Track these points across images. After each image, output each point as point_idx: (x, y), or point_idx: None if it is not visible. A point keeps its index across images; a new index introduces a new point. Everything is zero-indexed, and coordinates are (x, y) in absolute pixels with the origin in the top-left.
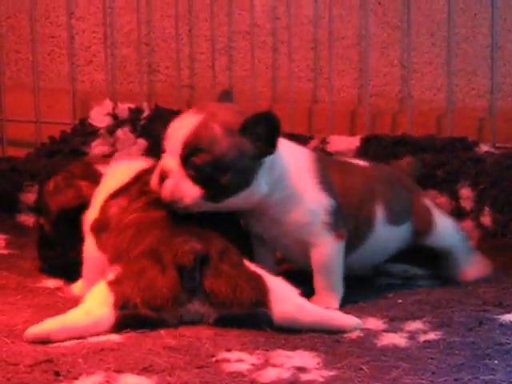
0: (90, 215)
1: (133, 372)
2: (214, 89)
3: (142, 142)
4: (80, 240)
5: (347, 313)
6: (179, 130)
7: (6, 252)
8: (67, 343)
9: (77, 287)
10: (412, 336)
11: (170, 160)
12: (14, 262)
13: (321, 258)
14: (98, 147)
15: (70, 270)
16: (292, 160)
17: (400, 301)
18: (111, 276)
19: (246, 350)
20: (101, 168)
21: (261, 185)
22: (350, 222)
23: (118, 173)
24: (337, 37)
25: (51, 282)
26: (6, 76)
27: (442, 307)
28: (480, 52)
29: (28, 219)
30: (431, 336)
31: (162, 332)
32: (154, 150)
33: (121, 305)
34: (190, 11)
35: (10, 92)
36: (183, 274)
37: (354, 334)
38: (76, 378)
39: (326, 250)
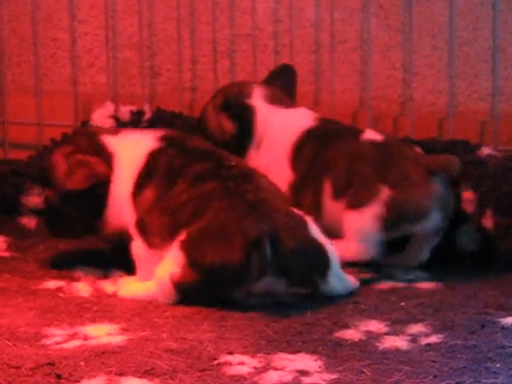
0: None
1: (134, 375)
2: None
3: None
4: (88, 213)
5: (349, 315)
6: None
7: (7, 254)
8: (69, 346)
9: (128, 285)
10: (414, 339)
11: None
12: (16, 264)
13: None
14: None
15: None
16: None
17: (402, 304)
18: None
19: (248, 353)
20: (106, 139)
21: None
22: None
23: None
24: (338, 40)
25: (53, 283)
26: (9, 79)
27: (444, 310)
28: (482, 55)
29: (29, 222)
30: (433, 339)
31: (164, 335)
32: None
33: (192, 263)
34: (191, 14)
35: (13, 95)
36: (253, 254)
37: (356, 337)
38: (78, 381)
39: None
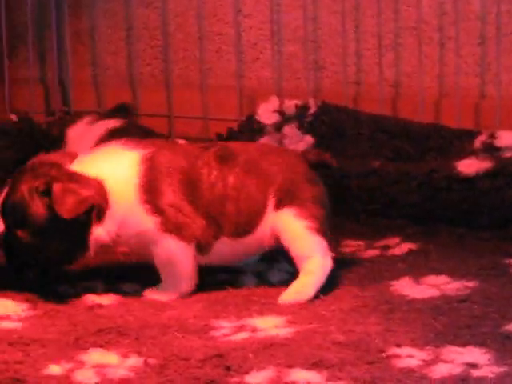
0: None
1: (303, 367)
2: (381, 85)
3: (309, 139)
4: (72, 242)
5: None
6: None
7: None
8: (237, 338)
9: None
10: None
11: None
12: None
13: None
14: None
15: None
16: None
17: None
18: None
19: (416, 346)
20: (72, 166)
21: None
22: None
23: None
24: (504, 32)
25: (219, 276)
26: (174, 74)
27: None
28: None
29: None
30: None
31: (331, 328)
32: (321, 146)
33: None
34: (356, 7)
35: (178, 89)
36: None
37: None
38: (247, 373)
39: None
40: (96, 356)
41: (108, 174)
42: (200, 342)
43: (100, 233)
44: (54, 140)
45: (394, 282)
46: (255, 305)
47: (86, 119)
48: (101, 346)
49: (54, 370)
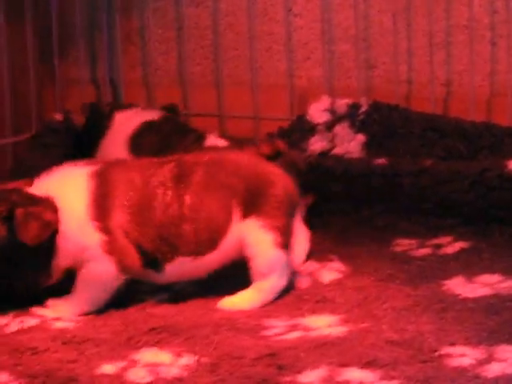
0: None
1: (356, 366)
2: (432, 84)
3: (361, 138)
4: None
5: None
6: None
7: None
8: (289, 337)
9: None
10: None
11: None
12: None
13: None
14: (316, 143)
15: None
16: None
17: None
18: None
19: (470, 345)
20: (32, 190)
21: None
22: None
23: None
24: None
25: None
26: (225, 73)
27: None
28: None
29: None
30: None
31: (384, 326)
32: (372, 145)
33: None
34: (407, 6)
35: (229, 89)
36: None
37: None
38: (299, 372)
39: None
40: (149, 355)
41: (58, 191)
42: (252, 341)
43: (62, 257)
44: (95, 136)
45: (447, 281)
46: (307, 304)
47: (135, 109)
48: (153, 345)
49: (107, 369)
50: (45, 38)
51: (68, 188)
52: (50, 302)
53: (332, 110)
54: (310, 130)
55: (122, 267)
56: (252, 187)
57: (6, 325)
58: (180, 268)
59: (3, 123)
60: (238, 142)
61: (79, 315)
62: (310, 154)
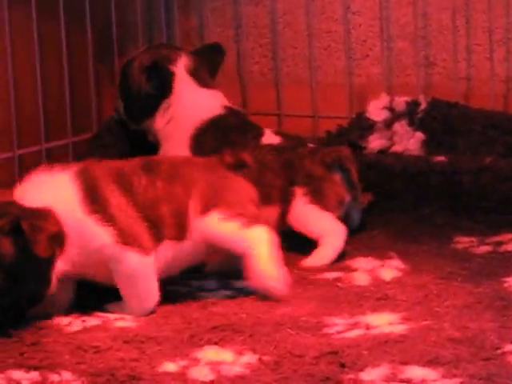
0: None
1: (418, 364)
2: (492, 80)
3: (420, 135)
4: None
5: None
6: None
7: None
8: (351, 335)
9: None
10: None
11: None
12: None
13: None
14: (375, 141)
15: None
16: None
17: None
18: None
19: None
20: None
21: None
22: None
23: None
24: None
25: (330, 274)
26: (284, 71)
27: None
28: None
29: None
30: None
31: (445, 324)
32: (432, 142)
33: None
34: (467, 3)
35: (288, 87)
36: None
37: None
38: (361, 370)
39: None
40: (211, 353)
41: (52, 200)
42: (314, 339)
43: (61, 264)
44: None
45: (508, 279)
46: (368, 301)
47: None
48: (215, 344)
49: (170, 367)
50: (104, 38)
51: (59, 194)
52: (111, 308)
53: (391, 108)
54: (369, 127)
55: (145, 249)
56: (211, 185)
57: (69, 324)
58: (166, 255)
59: (64, 123)
60: (293, 138)
61: (144, 315)
62: (369, 151)
